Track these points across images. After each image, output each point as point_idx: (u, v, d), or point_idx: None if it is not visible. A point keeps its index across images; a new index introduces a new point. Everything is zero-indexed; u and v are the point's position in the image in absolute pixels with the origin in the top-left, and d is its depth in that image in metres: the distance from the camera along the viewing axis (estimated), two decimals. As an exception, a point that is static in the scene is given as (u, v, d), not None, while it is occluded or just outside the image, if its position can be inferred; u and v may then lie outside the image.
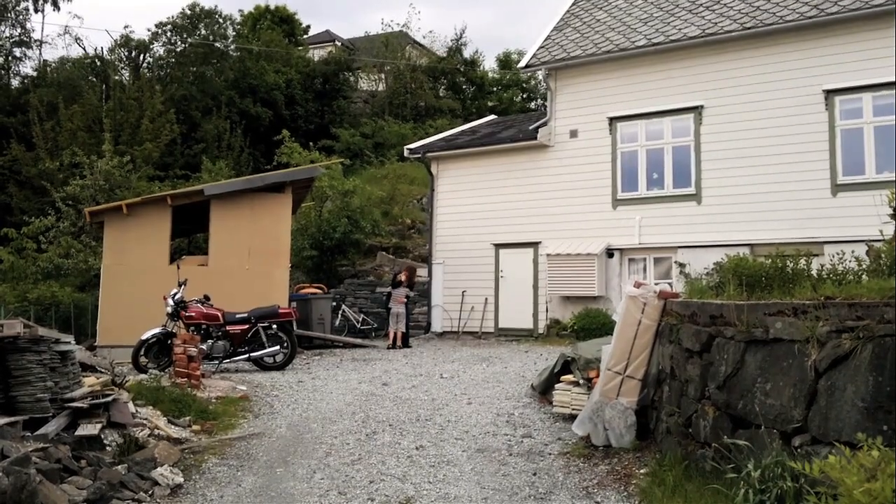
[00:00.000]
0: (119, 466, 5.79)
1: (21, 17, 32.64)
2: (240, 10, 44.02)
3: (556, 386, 8.05)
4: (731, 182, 14.54)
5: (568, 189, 16.37)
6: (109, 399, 6.92)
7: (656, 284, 8.46)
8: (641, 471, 5.84)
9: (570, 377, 7.93)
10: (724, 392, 4.97)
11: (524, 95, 39.05)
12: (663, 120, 15.57)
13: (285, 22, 40.13)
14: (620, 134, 16.06)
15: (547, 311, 16.44)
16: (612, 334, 7.00)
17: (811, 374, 4.14)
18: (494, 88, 38.90)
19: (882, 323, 3.81)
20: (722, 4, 15.65)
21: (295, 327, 12.80)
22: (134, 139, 25.57)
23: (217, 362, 11.76)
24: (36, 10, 33.16)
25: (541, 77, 18.42)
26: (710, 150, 14.95)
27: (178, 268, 13.14)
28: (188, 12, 32.91)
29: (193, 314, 11.71)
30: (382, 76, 37.54)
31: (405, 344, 15.58)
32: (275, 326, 12.14)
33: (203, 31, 33.15)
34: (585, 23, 17.79)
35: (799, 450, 4.07)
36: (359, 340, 16.41)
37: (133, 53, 33.05)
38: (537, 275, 16.70)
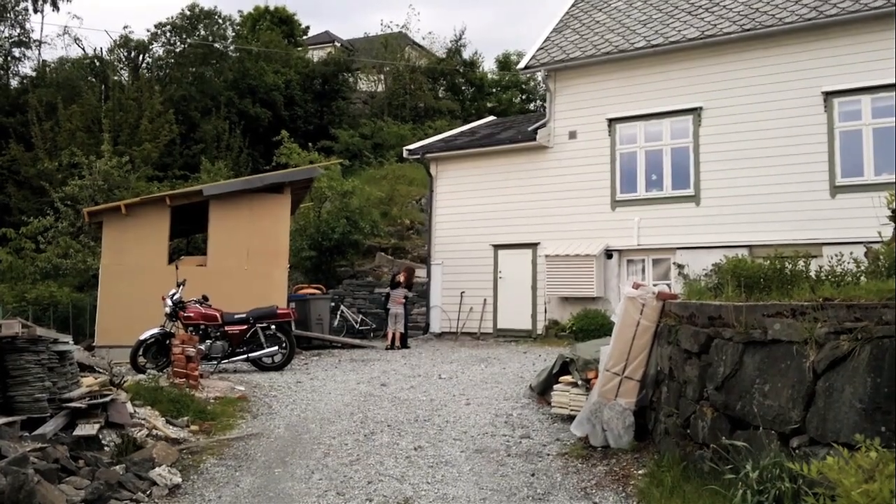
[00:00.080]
0: (117, 466, 5.79)
1: (20, 17, 32.68)
2: (239, 11, 44.00)
3: (555, 387, 8.06)
4: (730, 183, 14.56)
5: (567, 190, 16.37)
6: (108, 399, 6.92)
7: (655, 285, 8.48)
8: (640, 471, 5.84)
9: (568, 378, 7.93)
10: (722, 393, 4.97)
11: (523, 97, 39.07)
12: (662, 121, 15.59)
13: (285, 23, 40.14)
14: (619, 135, 16.07)
15: (545, 311, 16.44)
16: (610, 335, 7.00)
17: (809, 376, 4.14)
18: (494, 89, 38.92)
19: (880, 324, 3.81)
20: (721, 6, 15.67)
21: (293, 328, 12.81)
22: (133, 139, 25.56)
23: (215, 363, 11.75)
24: (35, 11, 33.21)
25: (540, 78, 18.44)
26: (708, 152, 14.96)
27: (177, 268, 13.15)
28: (187, 13, 32.92)
29: (192, 314, 11.71)
30: (382, 77, 37.55)
31: (404, 344, 15.58)
32: (273, 327, 12.14)
33: (202, 32, 33.16)
34: (585, 24, 17.81)
35: (797, 451, 4.08)
36: (357, 341, 16.41)
37: (132, 54, 33.05)
38: (536, 276, 16.71)
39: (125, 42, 32.53)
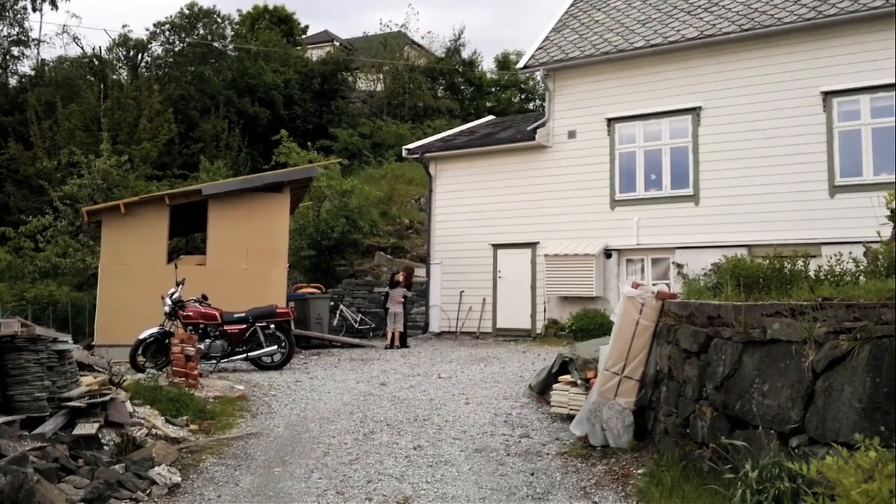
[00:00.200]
0: (116, 466, 5.79)
1: (19, 15, 32.65)
2: (238, 10, 44.05)
3: (554, 386, 8.06)
4: (729, 183, 14.56)
5: (566, 190, 16.38)
6: (107, 398, 6.92)
7: (654, 285, 8.49)
8: (639, 471, 5.84)
9: (567, 377, 7.94)
10: (721, 392, 4.97)
11: (522, 96, 39.06)
12: (661, 121, 15.59)
13: (284, 22, 40.12)
14: (618, 135, 16.07)
15: (545, 311, 16.45)
16: (609, 335, 7.01)
17: (808, 375, 4.15)
18: (493, 89, 38.91)
19: (879, 324, 3.82)
20: (720, 6, 15.68)
21: (293, 327, 12.80)
22: (132, 139, 25.54)
23: (215, 362, 11.74)
24: (34, 9, 33.17)
25: (539, 78, 18.46)
26: (708, 152, 14.96)
27: (176, 267, 13.14)
28: (186, 12, 32.90)
29: (191, 314, 11.71)
30: (381, 76, 37.52)
31: (403, 344, 15.59)
32: (272, 326, 12.14)
33: (201, 31, 33.13)
34: (584, 24, 17.81)
35: (796, 450, 4.08)
36: (356, 340, 16.41)
37: (131, 53, 33.02)
38: (535, 275, 16.71)
39: (124, 41, 32.51)
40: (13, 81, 32.50)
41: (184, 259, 15.22)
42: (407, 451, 6.79)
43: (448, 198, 18.32)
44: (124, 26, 50.94)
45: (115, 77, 31.19)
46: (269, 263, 14.60)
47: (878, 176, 13.17)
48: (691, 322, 5.74)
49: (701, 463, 5.09)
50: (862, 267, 5.39)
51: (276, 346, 12.14)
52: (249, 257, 14.49)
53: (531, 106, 36.96)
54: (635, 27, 16.53)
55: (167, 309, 11.62)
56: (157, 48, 33.17)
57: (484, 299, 17.31)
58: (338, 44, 43.34)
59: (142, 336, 11.35)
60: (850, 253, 5.73)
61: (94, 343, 13.79)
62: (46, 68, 32.31)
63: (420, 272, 18.69)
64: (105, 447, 6.30)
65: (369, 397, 9.36)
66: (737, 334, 4.87)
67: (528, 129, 17.51)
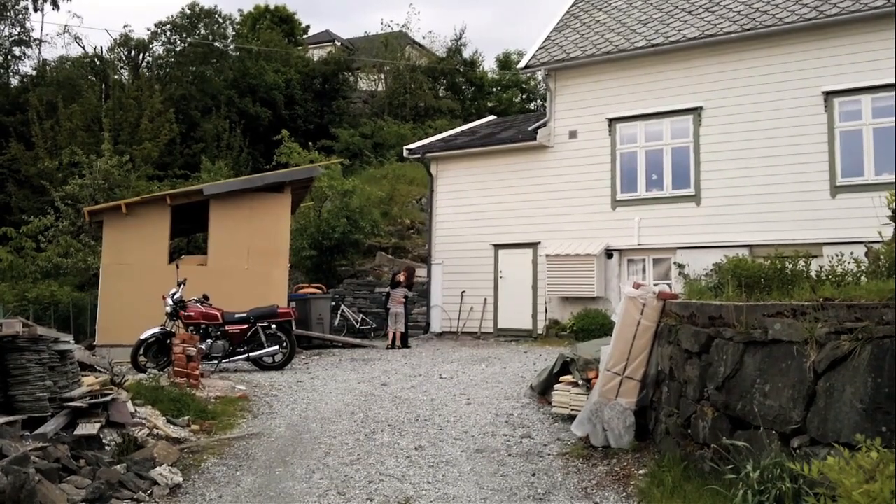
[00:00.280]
0: (118, 466, 5.79)
1: (20, 15, 32.68)
2: (239, 10, 44.11)
3: (556, 386, 8.06)
4: (731, 183, 14.55)
5: (567, 190, 16.37)
6: (108, 398, 6.93)
7: (655, 285, 8.47)
8: (640, 471, 5.84)
9: (569, 378, 7.94)
10: (722, 393, 4.97)
11: (524, 96, 39.06)
12: (662, 121, 15.59)
13: (285, 22, 40.13)
14: (620, 135, 16.07)
15: (546, 311, 16.44)
16: (611, 335, 7.01)
17: (810, 376, 4.14)
18: (494, 89, 38.91)
19: (881, 324, 3.82)
20: (721, 6, 15.67)
21: (294, 327, 12.80)
22: (133, 138, 25.57)
23: (216, 362, 11.75)
24: (35, 9, 33.21)
25: (540, 78, 18.44)
26: (709, 152, 14.96)
27: (178, 267, 13.15)
28: (188, 12, 32.91)
29: (192, 314, 11.71)
30: (382, 76, 37.53)
31: (404, 344, 15.59)
32: (274, 326, 12.14)
33: (202, 31, 33.14)
34: (585, 24, 17.80)
35: (798, 451, 4.08)
36: (358, 340, 16.41)
37: (132, 53, 33.03)
38: (536, 275, 16.71)
39: (125, 41, 32.52)
40: (15, 81, 32.57)
41: (185, 259, 15.22)
42: (408, 452, 6.79)
43: (449, 198, 18.32)
44: (125, 26, 51.14)
45: (116, 77, 31.22)
46: (271, 263, 14.61)
47: (880, 176, 13.15)
48: (692, 322, 5.74)
49: (702, 463, 5.09)
50: (863, 267, 5.38)
51: (277, 347, 12.15)
52: (251, 257, 14.49)
53: (532, 106, 36.96)
54: (636, 27, 16.52)
55: (168, 309, 11.63)
56: (158, 48, 33.22)
57: (485, 299, 17.31)
58: (339, 44, 43.37)
59: (143, 336, 11.36)
60: (852, 253, 5.73)
61: (95, 343, 13.80)
62: (48, 68, 32.36)
63: (421, 272, 18.69)
64: (106, 447, 6.31)
65: (370, 397, 9.36)
66: (738, 335, 4.87)
67: (530, 129, 17.51)
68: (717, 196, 14.74)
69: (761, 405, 4.49)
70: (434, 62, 37.90)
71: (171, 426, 7.37)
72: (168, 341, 10.96)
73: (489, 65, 41.05)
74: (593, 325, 14.39)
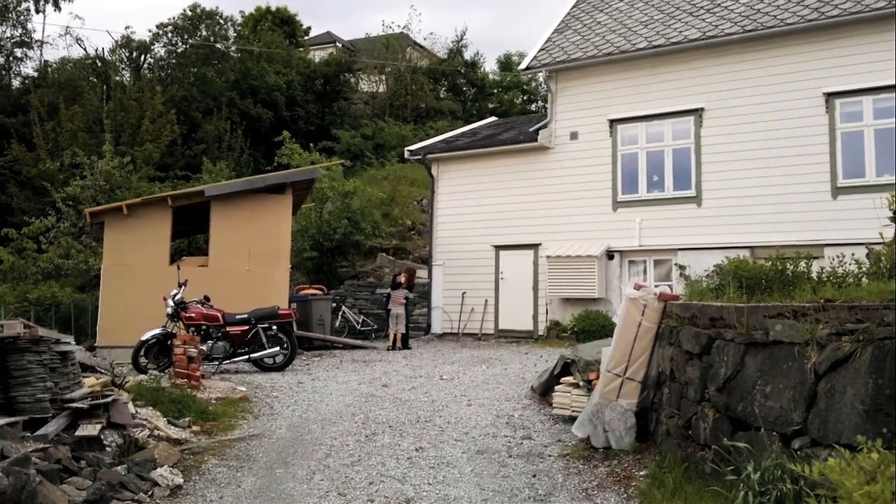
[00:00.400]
0: (119, 467, 5.79)
1: (22, 17, 32.67)
2: (241, 12, 44.05)
3: (556, 388, 8.06)
4: (732, 184, 14.55)
5: (568, 191, 16.37)
6: (109, 400, 6.93)
7: (656, 286, 8.49)
8: (641, 473, 5.84)
9: (569, 379, 7.93)
10: (723, 394, 4.97)
11: (525, 97, 39.05)
12: (664, 122, 15.59)
13: (286, 23, 40.14)
14: (621, 136, 16.07)
15: (547, 312, 16.44)
16: (611, 336, 7.01)
17: (811, 377, 4.14)
18: (495, 90, 38.90)
19: (882, 326, 3.81)
20: (722, 7, 15.67)
21: (295, 328, 12.81)
22: (134, 140, 25.58)
23: (217, 363, 11.75)
24: (37, 11, 33.21)
25: (541, 79, 18.41)
26: (710, 153, 14.96)
27: (179, 268, 13.14)
28: (189, 13, 32.93)
29: (193, 315, 11.71)
30: (383, 78, 37.53)
31: (405, 345, 15.59)
32: (275, 327, 12.15)
33: (204, 33, 33.15)
34: (586, 25, 17.81)
35: (799, 452, 4.08)
36: (358, 342, 16.42)
37: (134, 54, 33.05)
38: (537, 276, 16.70)
39: (127, 42, 32.55)
40: (16, 83, 32.58)
41: (186, 260, 15.22)
42: (409, 453, 6.79)
43: (450, 199, 18.33)
44: (127, 28, 51.28)
45: (117, 78, 31.24)
46: (272, 265, 14.62)
47: (881, 177, 13.14)
48: (693, 323, 5.74)
49: (703, 464, 5.09)
50: (864, 268, 5.38)
51: (278, 348, 12.15)
52: (252, 258, 14.50)
53: (533, 107, 36.94)
54: (637, 28, 16.52)
55: (169, 310, 11.63)
56: (159, 49, 33.22)
57: (486, 301, 17.31)
58: (340, 45, 43.38)
59: (144, 337, 11.36)
60: (853, 254, 5.72)
61: (96, 344, 13.80)
62: (49, 70, 32.37)
63: (422, 273, 18.69)
64: (107, 448, 6.31)
65: (371, 399, 9.36)
66: (739, 336, 4.87)
67: (531, 130, 17.52)
68: (718, 197, 14.74)
69: (762, 406, 4.49)
70: (435, 63, 37.90)
71: (172, 427, 7.37)
72: (169, 342, 10.96)
73: (490, 66, 41.10)
74: (594, 326, 14.40)
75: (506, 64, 39.23)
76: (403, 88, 35.46)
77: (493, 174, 17.66)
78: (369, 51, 38.70)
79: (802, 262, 5.92)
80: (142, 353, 11.29)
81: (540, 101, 36.15)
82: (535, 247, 16.78)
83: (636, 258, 15.74)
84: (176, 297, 11.67)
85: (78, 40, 56.79)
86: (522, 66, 18.18)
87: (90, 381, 7.53)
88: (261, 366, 12.09)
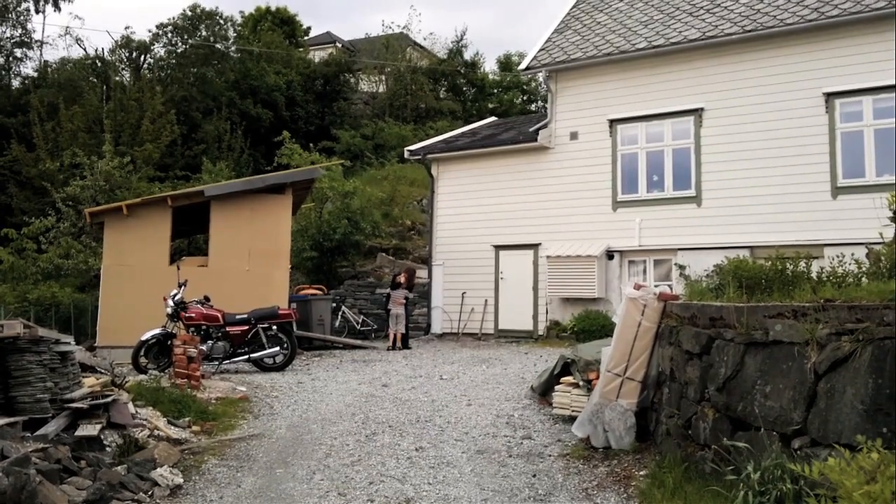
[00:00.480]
0: (119, 467, 5.79)
1: (22, 17, 32.67)
2: (240, 12, 44.03)
3: (556, 387, 8.06)
4: (732, 184, 14.55)
5: (568, 191, 16.38)
6: (109, 400, 6.93)
7: (656, 286, 8.49)
8: (641, 472, 5.84)
9: (569, 379, 7.94)
10: (723, 394, 4.97)
11: (525, 97, 39.04)
12: (663, 122, 15.59)
13: (286, 23, 40.14)
14: (621, 136, 16.07)
15: (547, 312, 16.44)
16: (611, 336, 7.01)
17: (811, 377, 4.14)
18: (495, 90, 38.89)
19: (882, 325, 3.81)
20: (722, 7, 15.67)
21: (295, 328, 12.81)
22: (134, 140, 25.57)
23: (217, 363, 11.75)
24: (37, 11, 33.21)
25: (541, 79, 18.41)
26: (710, 153, 14.96)
27: (178, 269, 13.14)
28: (189, 13, 32.91)
29: (193, 315, 11.71)
30: (383, 78, 37.53)
31: (405, 345, 15.59)
32: (275, 327, 12.15)
33: (204, 33, 33.14)
34: (586, 25, 17.81)
35: (798, 452, 4.08)
36: (358, 342, 16.42)
37: (134, 54, 33.04)
38: (537, 276, 16.71)
39: (126, 42, 32.54)
40: (16, 83, 32.57)
41: (186, 260, 15.22)
42: (409, 453, 6.79)
43: (450, 199, 18.33)
44: (127, 28, 51.19)
45: (117, 79, 31.23)
46: (272, 265, 14.62)
47: (881, 177, 13.15)
48: (693, 323, 5.74)
49: (703, 464, 5.09)
50: (864, 268, 5.38)
51: (278, 348, 12.15)
52: (251, 259, 14.50)
53: (533, 107, 36.94)
54: (637, 28, 16.52)
55: (169, 310, 11.63)
56: (159, 50, 33.21)
57: (486, 301, 17.31)
58: (340, 45, 43.37)
59: (144, 337, 11.36)
60: (853, 254, 5.72)
61: (96, 344, 13.80)
62: (49, 70, 32.36)
63: (422, 273, 18.69)
64: (107, 448, 6.31)
65: (371, 399, 9.36)
66: (739, 336, 4.87)
67: (531, 130, 17.52)
68: (718, 197, 14.74)
69: (762, 406, 4.49)
70: (435, 63, 37.89)
71: (172, 427, 7.37)
72: (169, 342, 10.96)
73: (490, 66, 41.08)
74: (594, 326, 14.40)
75: (506, 64, 39.23)
76: (403, 88, 35.46)
77: (492, 174, 17.67)
78: (369, 51, 38.70)
79: (802, 261, 5.92)
80: (142, 353, 11.29)
81: (540, 101, 36.14)
82: (534, 247, 16.78)
83: (636, 258, 15.74)
84: (176, 297, 11.67)
85: (78, 40, 56.80)
86: (522, 66, 18.18)
87: (90, 381, 7.53)
88: (261, 366, 12.09)
